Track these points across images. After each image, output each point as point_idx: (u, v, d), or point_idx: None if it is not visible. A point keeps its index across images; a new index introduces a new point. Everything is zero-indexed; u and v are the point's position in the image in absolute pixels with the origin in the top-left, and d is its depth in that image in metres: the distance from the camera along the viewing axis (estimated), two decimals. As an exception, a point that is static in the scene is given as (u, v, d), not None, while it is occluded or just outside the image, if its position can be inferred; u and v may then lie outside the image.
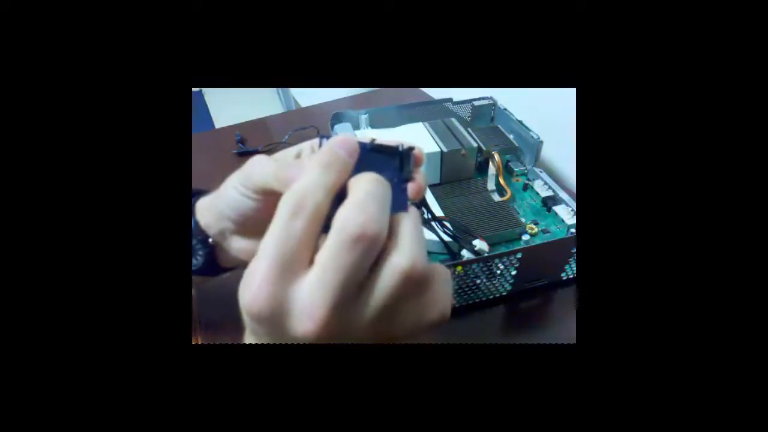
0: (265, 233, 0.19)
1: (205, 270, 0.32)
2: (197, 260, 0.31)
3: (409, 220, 0.20)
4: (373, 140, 0.23)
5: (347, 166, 0.21)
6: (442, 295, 0.21)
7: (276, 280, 0.18)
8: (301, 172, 0.22)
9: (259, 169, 0.26)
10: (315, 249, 0.19)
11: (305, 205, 0.19)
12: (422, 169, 0.24)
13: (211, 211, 0.30)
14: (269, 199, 0.26)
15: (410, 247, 0.19)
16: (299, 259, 0.19)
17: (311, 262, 0.19)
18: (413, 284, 0.19)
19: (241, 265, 0.32)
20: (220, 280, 0.33)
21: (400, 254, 0.19)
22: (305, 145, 0.29)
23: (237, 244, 0.30)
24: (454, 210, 0.49)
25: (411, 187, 0.23)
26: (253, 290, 0.18)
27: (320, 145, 0.23)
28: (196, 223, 0.30)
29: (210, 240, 0.31)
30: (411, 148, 0.23)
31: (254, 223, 0.28)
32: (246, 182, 0.27)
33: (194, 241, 0.31)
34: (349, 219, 0.18)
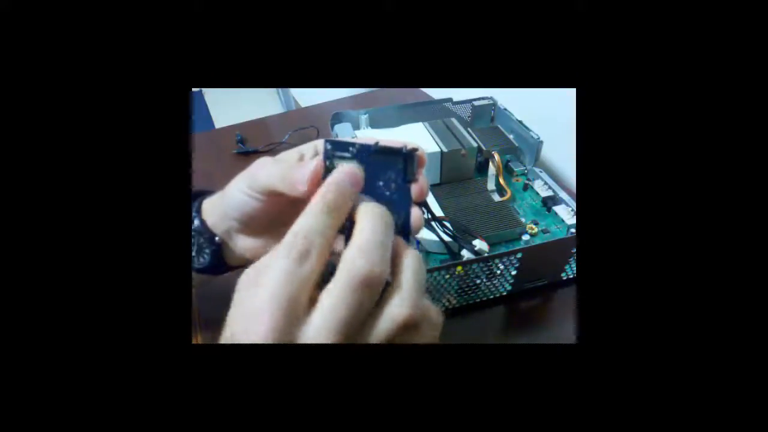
0: (267, 273, 0.19)
1: (211, 269, 0.32)
2: (204, 259, 0.31)
3: (412, 262, 0.21)
4: (377, 142, 0.23)
5: (353, 198, 0.21)
6: (427, 338, 0.21)
7: (282, 327, 0.18)
8: (306, 174, 0.23)
9: (264, 171, 0.26)
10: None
11: (311, 250, 0.19)
12: (424, 171, 0.25)
13: (217, 211, 0.30)
14: (274, 200, 0.27)
15: (411, 295, 0.20)
16: (304, 302, 0.19)
17: (313, 300, 0.19)
18: (408, 329, 0.20)
19: (247, 264, 0.32)
20: (222, 279, 0.33)
21: (402, 303, 0.20)
22: (308, 147, 0.29)
23: (242, 243, 0.31)
24: (454, 210, 0.49)
25: (414, 189, 0.24)
26: (260, 337, 0.18)
27: (325, 149, 0.23)
28: (203, 222, 0.31)
29: (216, 239, 0.31)
30: (414, 150, 0.23)
31: (259, 223, 0.29)
32: (252, 184, 0.27)
33: (201, 240, 0.31)
34: (356, 263, 0.19)
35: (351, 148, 0.24)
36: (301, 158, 0.29)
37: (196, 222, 0.31)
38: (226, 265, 0.32)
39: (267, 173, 0.26)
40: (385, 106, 0.62)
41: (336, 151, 0.24)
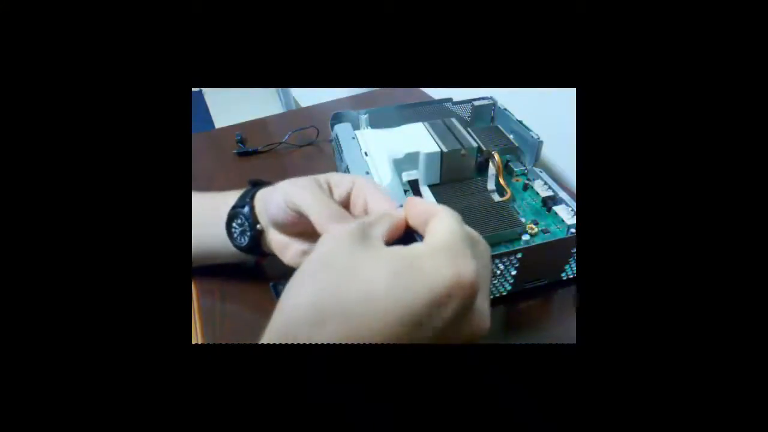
0: None
1: (249, 249, 0.37)
2: (245, 239, 0.37)
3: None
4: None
5: None
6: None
7: None
8: (342, 220, 0.27)
9: (300, 196, 0.30)
10: None
11: None
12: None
13: (262, 204, 0.36)
14: (304, 217, 0.30)
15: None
16: None
17: None
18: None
19: (272, 254, 0.38)
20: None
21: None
22: (345, 181, 0.31)
23: (273, 236, 0.36)
24: (454, 210, 0.49)
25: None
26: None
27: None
28: (252, 208, 0.36)
29: (258, 226, 0.36)
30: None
31: (288, 229, 0.34)
32: (288, 200, 0.31)
33: (246, 224, 0.36)
34: None
35: None
36: (333, 191, 0.31)
37: (246, 209, 0.36)
38: (261, 250, 0.37)
39: (302, 199, 0.30)
40: (385, 106, 0.61)
41: None
